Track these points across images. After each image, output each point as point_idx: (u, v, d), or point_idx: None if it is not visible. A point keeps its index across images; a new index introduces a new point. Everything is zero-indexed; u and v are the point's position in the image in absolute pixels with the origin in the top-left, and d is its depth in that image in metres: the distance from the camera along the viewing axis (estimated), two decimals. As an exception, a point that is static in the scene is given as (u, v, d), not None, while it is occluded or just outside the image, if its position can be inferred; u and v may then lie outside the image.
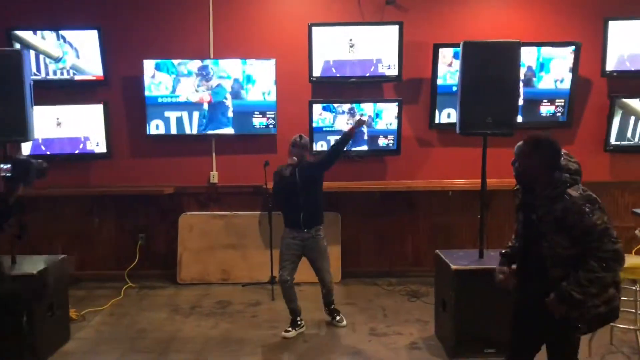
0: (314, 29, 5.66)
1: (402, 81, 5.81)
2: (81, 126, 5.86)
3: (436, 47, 5.70)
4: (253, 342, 4.49)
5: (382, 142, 5.86)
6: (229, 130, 5.86)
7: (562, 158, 2.85)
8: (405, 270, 6.13)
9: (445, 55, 5.71)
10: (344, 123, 5.78)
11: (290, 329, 4.61)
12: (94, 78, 5.81)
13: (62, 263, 4.53)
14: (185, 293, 5.73)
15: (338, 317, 4.83)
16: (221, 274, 6.01)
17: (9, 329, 4.00)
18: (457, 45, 4.60)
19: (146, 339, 4.62)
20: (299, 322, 4.65)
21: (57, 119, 5.82)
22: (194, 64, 5.77)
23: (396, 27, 5.66)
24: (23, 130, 4.17)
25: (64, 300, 4.59)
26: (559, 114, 5.85)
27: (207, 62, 5.78)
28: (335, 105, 5.80)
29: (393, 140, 5.85)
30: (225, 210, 6.08)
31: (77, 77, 5.80)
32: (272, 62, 5.75)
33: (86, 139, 5.87)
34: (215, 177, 6.04)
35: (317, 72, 5.72)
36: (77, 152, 5.88)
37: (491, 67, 4.14)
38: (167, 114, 5.83)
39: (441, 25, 5.85)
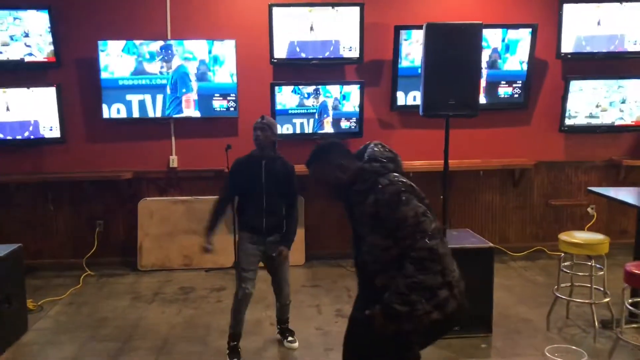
0: (275, 9, 5.57)
1: (363, 63, 5.80)
2: (32, 110, 5.63)
3: (397, 29, 5.71)
4: (220, 328, 4.44)
5: (344, 124, 5.86)
6: (195, 114, 5.73)
7: (372, 149, 2.51)
8: (368, 251, 6.17)
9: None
10: (310, 104, 5.78)
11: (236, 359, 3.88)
12: (46, 60, 5.57)
13: (16, 252, 4.36)
14: (146, 280, 5.63)
15: (290, 338, 4.16)
16: (183, 259, 5.93)
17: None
18: (418, 27, 4.62)
19: (108, 327, 4.53)
20: (239, 350, 3.92)
21: (6, 102, 5.58)
22: (156, 45, 5.60)
23: (357, 9, 5.63)
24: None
25: (20, 291, 4.44)
26: (516, 96, 5.97)
27: (171, 42, 5.62)
28: (301, 87, 5.75)
29: (355, 122, 5.85)
30: (186, 195, 5.98)
31: (27, 59, 5.55)
32: (232, 42, 5.65)
33: (37, 123, 5.65)
34: (175, 162, 5.93)
35: (281, 53, 5.65)
36: (28, 136, 5.65)
37: (454, 49, 4.17)
38: (129, 97, 5.66)
39: (403, 8, 5.86)
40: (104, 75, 5.59)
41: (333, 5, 5.65)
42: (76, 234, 5.97)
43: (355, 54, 5.71)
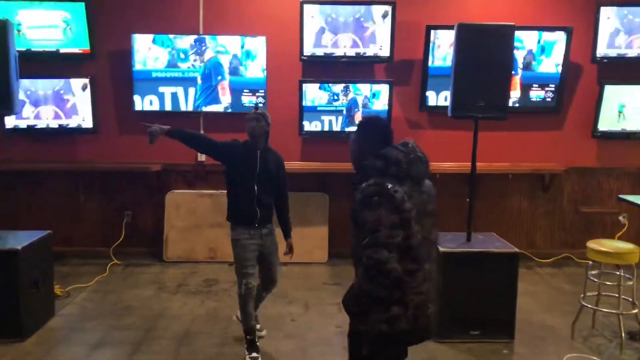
0: (306, 6, 5.58)
1: (393, 62, 5.77)
2: (66, 100, 5.75)
3: (428, 29, 5.66)
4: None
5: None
6: (226, 107, 5.77)
7: (394, 147, 2.39)
8: (392, 251, 6.14)
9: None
10: (339, 102, 5.79)
11: (255, 354, 3.84)
12: (81, 51, 5.68)
13: (46, 239, 4.47)
14: (171, 271, 5.71)
15: (258, 326, 4.13)
16: (208, 252, 5.99)
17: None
18: (450, 27, 4.57)
19: (132, 316, 4.60)
20: (258, 343, 3.92)
21: (43, 92, 5.71)
22: (189, 38, 5.66)
23: (389, 8, 5.60)
24: (8, 104, 4.06)
25: (49, 277, 4.54)
26: (548, 99, 5.87)
27: (205, 36, 5.68)
28: (330, 84, 5.75)
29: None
30: (212, 189, 6.03)
31: (62, 50, 5.67)
32: (263, 39, 5.67)
33: (70, 113, 5.77)
34: (203, 155, 5.98)
35: (309, 48, 5.65)
36: (61, 126, 5.78)
37: (485, 50, 4.11)
38: (161, 89, 5.73)
39: (435, 7, 5.80)
40: (136, 67, 5.67)
41: (365, 3, 5.63)
42: (105, 223, 6.08)
43: (385, 52, 5.68)
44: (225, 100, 5.76)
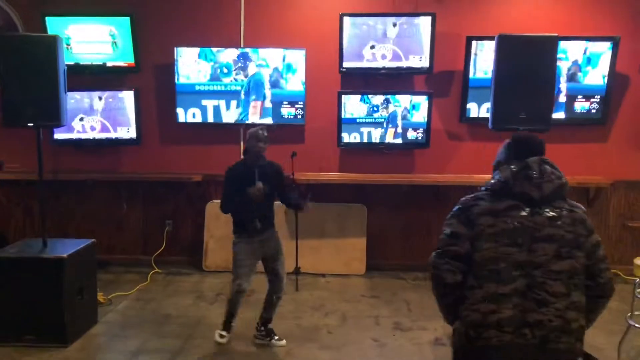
0: (345, 18, 5.60)
1: (432, 73, 5.73)
2: (112, 112, 5.92)
3: (469, 40, 5.60)
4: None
5: (411, 135, 5.80)
6: (267, 120, 5.84)
7: (510, 165, 2.36)
8: (430, 264, 6.07)
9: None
10: (379, 114, 5.77)
11: (224, 333, 4.22)
12: (126, 65, 5.85)
13: (91, 247, 4.59)
14: (210, 280, 5.78)
15: (277, 337, 4.30)
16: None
17: (40, 311, 4.11)
18: (491, 39, 4.52)
19: (172, 324, 4.67)
20: (232, 327, 4.24)
21: (89, 104, 5.89)
22: (233, 52, 5.75)
23: (429, 19, 5.57)
24: (56, 116, 4.22)
25: (92, 284, 4.66)
26: (593, 111, 5.71)
27: (247, 50, 5.76)
28: (369, 96, 5.75)
29: (422, 133, 5.78)
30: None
31: (109, 64, 5.85)
32: (303, 52, 5.72)
33: (115, 124, 5.93)
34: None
35: (348, 60, 5.66)
36: (106, 137, 5.95)
37: (527, 61, 4.06)
38: (204, 102, 5.84)
39: (475, 17, 5.74)
40: (180, 80, 5.79)
41: (404, 15, 5.61)
42: (146, 232, 6.21)
43: (425, 63, 5.65)
44: (254, 119, 5.81)
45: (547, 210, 2.24)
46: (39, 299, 4.14)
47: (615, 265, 5.90)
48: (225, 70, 5.77)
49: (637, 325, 4.10)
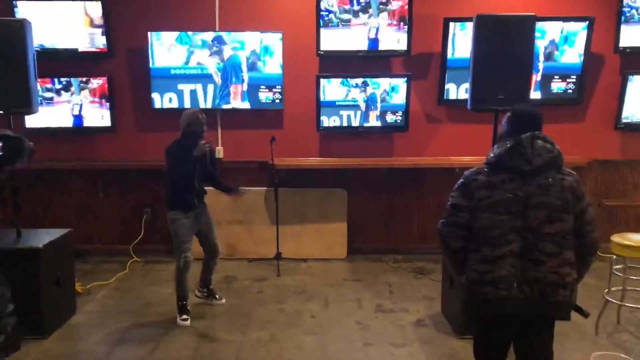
0: (322, 0, 5.53)
1: (410, 56, 5.71)
2: (84, 99, 5.78)
3: (446, 21, 5.59)
4: (260, 318, 4.49)
5: (390, 118, 5.78)
6: (244, 105, 5.77)
7: (506, 141, 2.60)
8: (411, 247, 6.10)
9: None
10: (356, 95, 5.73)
11: (185, 316, 4.39)
12: (98, 50, 5.71)
13: (67, 237, 4.50)
14: (191, 268, 5.70)
15: (218, 296, 4.79)
16: (227, 249, 5.98)
17: (17, 301, 4.02)
18: (469, 19, 4.51)
19: (152, 313, 4.62)
20: (188, 308, 4.46)
21: (60, 92, 5.75)
22: (208, 35, 5.65)
23: (406, 0, 5.53)
24: (27, 102, 4.10)
25: (70, 274, 4.58)
26: (570, 91, 5.76)
27: (222, 33, 5.67)
28: (348, 79, 5.71)
29: (401, 116, 5.77)
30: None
31: (81, 49, 5.70)
32: (279, 35, 5.65)
33: (88, 111, 5.80)
34: (221, 152, 5.98)
35: (326, 42, 5.60)
36: (79, 125, 5.82)
37: (505, 41, 4.05)
38: (180, 86, 5.73)
39: (452, -1, 5.73)
40: (155, 64, 5.67)
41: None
42: (124, 221, 6.12)
43: (402, 46, 5.62)
44: (236, 104, 5.75)
45: (538, 180, 2.48)
46: (14, 290, 4.04)
47: (592, 244, 6.00)
48: (200, 53, 5.67)
49: (613, 301, 4.18)
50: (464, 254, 2.61)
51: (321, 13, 5.53)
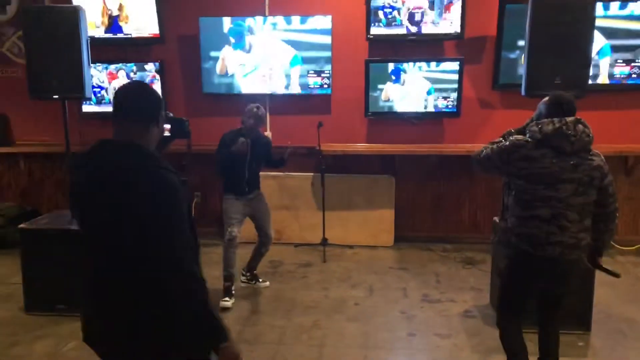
0: (373, -16, 5.42)
1: (464, 39, 5.53)
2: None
3: (502, 3, 5.38)
4: (304, 303, 4.49)
5: (442, 103, 5.63)
6: (295, 89, 5.76)
7: (550, 121, 2.83)
8: (461, 236, 5.97)
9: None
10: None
11: (227, 298, 4.44)
12: (151, 36, 5.80)
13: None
14: (239, 251, 5.75)
15: (262, 279, 4.91)
16: (274, 234, 6.01)
17: (71, 283, 4.17)
18: (525, 1, 4.31)
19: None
20: (233, 292, 4.50)
21: (115, 76, 5.89)
22: (258, 20, 5.66)
23: (459, -18, 5.35)
24: (80, 88, 4.21)
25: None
26: (634, 75, 5.45)
27: (272, 17, 5.67)
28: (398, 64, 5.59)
29: (453, 101, 5.61)
30: (278, 171, 6.03)
31: (134, 35, 5.81)
32: (329, 18, 5.58)
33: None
34: (270, 137, 5.98)
35: (376, 26, 5.49)
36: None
37: (562, 24, 3.85)
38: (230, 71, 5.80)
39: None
40: (205, 51, 5.73)
41: (434, -22, 5.40)
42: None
43: (455, 28, 5.45)
44: (293, 89, 5.76)
45: (572, 159, 2.79)
46: (69, 270, 4.18)
47: (654, 237, 5.72)
48: (251, 39, 5.68)
49: (676, 299, 3.96)
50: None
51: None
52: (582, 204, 2.82)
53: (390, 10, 5.45)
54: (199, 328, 1.90)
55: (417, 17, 5.45)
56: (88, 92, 4.29)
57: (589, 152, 2.84)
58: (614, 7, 5.33)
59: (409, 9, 5.44)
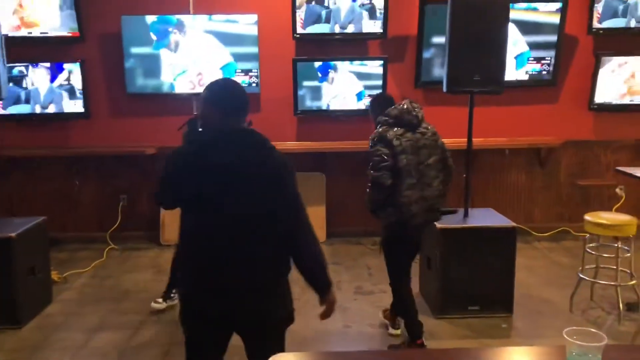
0: (298, -17, 5.48)
1: (387, 38, 5.70)
2: (57, 84, 5.68)
3: (422, 3, 5.58)
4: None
5: (367, 101, 5.77)
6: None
7: (394, 107, 3.58)
8: (389, 229, 6.13)
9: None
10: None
11: (160, 300, 4.36)
12: (70, 35, 5.59)
13: (41, 225, 4.43)
14: (168, 254, 5.61)
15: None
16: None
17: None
18: (444, 2, 4.50)
19: (131, 300, 4.60)
20: (172, 295, 4.34)
21: (31, 77, 5.64)
22: (181, 18, 5.58)
23: (382, -18, 5.51)
24: (-5, 88, 4.00)
25: (45, 262, 4.53)
26: (544, 72, 5.81)
27: (195, 15, 5.60)
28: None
29: (378, 99, 5.76)
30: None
31: (52, 34, 5.58)
32: (254, 17, 5.59)
33: (61, 97, 5.70)
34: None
35: (302, 26, 5.56)
36: (53, 111, 5.72)
37: (480, 23, 4.05)
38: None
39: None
40: (127, 49, 5.58)
41: (357, -22, 5.54)
42: (100, 208, 6.05)
43: (378, 28, 5.60)
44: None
45: (419, 130, 3.52)
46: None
47: (567, 223, 6.12)
48: (173, 38, 5.59)
49: (587, 279, 4.27)
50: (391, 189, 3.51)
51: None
52: (437, 162, 3.60)
53: (320, 9, 5.54)
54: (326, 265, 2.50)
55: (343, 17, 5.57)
56: (4, 93, 4.09)
57: (427, 124, 3.63)
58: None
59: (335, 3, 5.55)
